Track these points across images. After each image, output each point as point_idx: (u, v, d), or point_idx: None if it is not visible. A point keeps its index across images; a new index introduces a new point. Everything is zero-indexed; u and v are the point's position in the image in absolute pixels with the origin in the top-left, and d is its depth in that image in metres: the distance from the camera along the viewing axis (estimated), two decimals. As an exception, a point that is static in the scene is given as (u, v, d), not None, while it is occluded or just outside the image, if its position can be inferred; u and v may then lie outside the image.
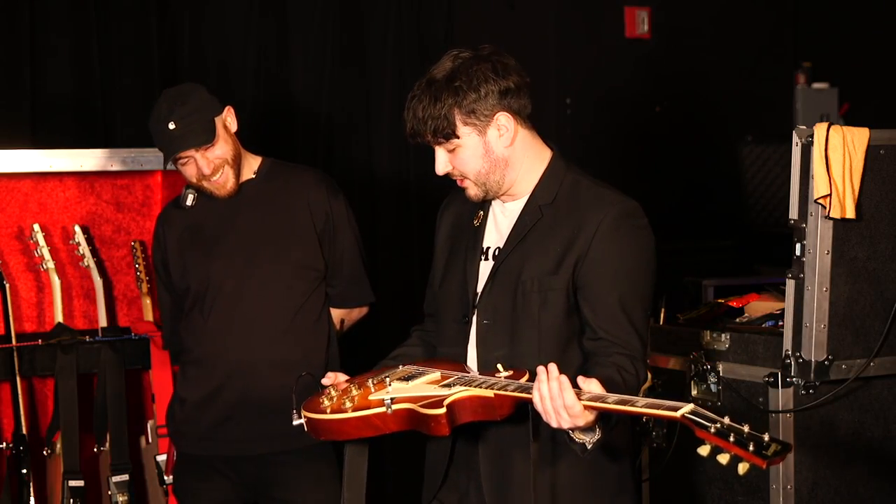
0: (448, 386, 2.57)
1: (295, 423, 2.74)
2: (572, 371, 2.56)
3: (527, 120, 2.72)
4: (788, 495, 3.44)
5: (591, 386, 2.40)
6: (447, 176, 2.75)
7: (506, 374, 2.58)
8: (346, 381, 2.81)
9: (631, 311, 2.62)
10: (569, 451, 2.57)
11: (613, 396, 2.37)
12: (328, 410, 2.64)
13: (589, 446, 2.48)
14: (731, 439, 2.18)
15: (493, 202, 2.80)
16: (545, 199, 2.71)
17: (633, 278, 2.64)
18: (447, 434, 2.52)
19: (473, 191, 2.73)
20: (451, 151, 2.70)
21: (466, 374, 2.64)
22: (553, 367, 2.41)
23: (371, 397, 2.61)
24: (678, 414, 2.26)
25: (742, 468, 2.19)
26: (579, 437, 2.48)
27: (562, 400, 2.38)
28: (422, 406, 2.52)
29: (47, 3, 4.63)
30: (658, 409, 2.30)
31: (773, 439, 2.17)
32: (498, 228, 2.77)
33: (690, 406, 2.27)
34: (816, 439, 3.47)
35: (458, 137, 2.67)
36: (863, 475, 3.55)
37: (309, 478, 3.46)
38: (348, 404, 2.62)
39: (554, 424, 2.42)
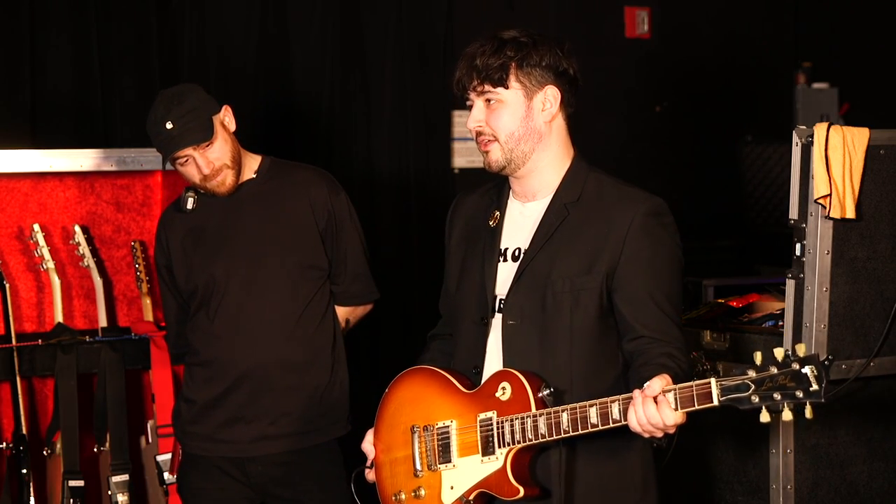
0: (489, 450, 2.60)
1: None
2: (607, 375, 2.61)
3: (568, 114, 2.73)
4: (788, 495, 3.44)
5: (656, 385, 2.41)
6: (476, 134, 2.70)
7: (504, 394, 2.60)
8: (375, 442, 2.84)
9: (669, 307, 2.62)
10: (592, 453, 2.61)
11: (690, 390, 2.39)
12: None
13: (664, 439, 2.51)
14: (778, 397, 2.24)
15: (510, 202, 2.78)
16: (570, 198, 2.69)
17: (667, 275, 2.64)
18: (539, 492, 2.60)
19: (496, 155, 2.68)
20: (490, 106, 2.67)
21: (483, 419, 2.63)
22: (638, 392, 2.42)
23: (445, 500, 2.67)
24: (716, 403, 2.32)
25: (808, 412, 2.26)
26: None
27: (661, 420, 2.39)
28: (499, 494, 2.60)
29: (47, 3, 4.63)
30: (690, 405, 2.37)
31: (802, 362, 2.23)
32: (518, 229, 2.73)
33: (716, 387, 2.31)
34: (816, 439, 3.47)
35: (506, 88, 2.64)
36: (863, 475, 3.55)
37: (316, 478, 3.47)
38: None
39: (647, 435, 2.45)
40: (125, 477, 3.92)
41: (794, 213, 3.40)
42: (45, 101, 4.63)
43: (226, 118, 3.44)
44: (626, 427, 2.62)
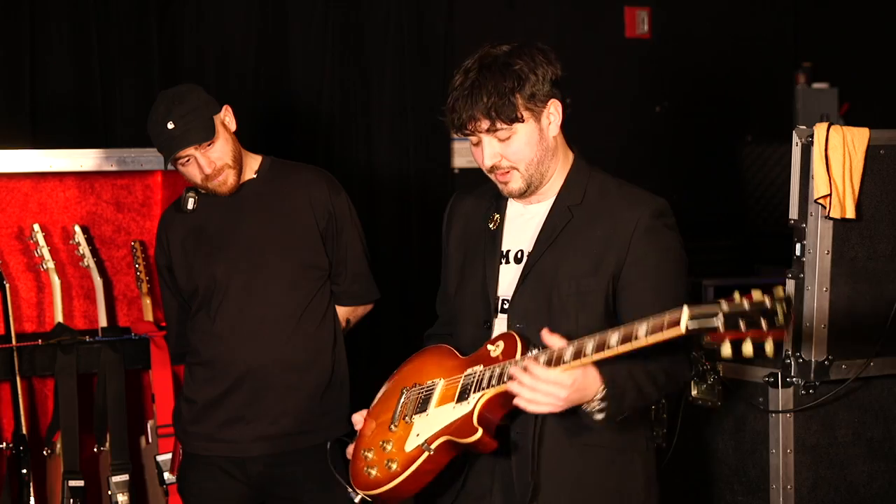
0: (464, 396, 2.58)
1: (357, 500, 2.73)
2: None
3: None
4: (788, 495, 3.44)
5: (554, 340, 2.43)
6: (491, 167, 2.65)
7: (496, 350, 2.60)
8: (366, 415, 2.82)
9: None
10: (595, 455, 2.59)
11: (592, 342, 2.39)
12: (379, 478, 2.65)
13: (603, 414, 2.48)
14: (743, 326, 2.22)
15: (509, 204, 2.77)
16: (574, 200, 2.68)
17: (672, 277, 2.64)
18: (496, 446, 2.55)
19: (517, 184, 2.66)
20: (504, 140, 2.61)
21: (469, 372, 2.62)
22: (517, 364, 2.44)
23: (408, 448, 2.63)
24: (682, 329, 2.29)
25: (769, 349, 2.22)
26: (593, 406, 2.49)
27: (543, 378, 2.40)
28: (458, 437, 2.54)
29: (47, 4, 4.63)
30: (659, 331, 2.33)
31: (773, 299, 2.21)
32: (519, 231, 2.73)
33: (686, 313, 2.30)
34: (816, 439, 3.47)
35: (522, 122, 2.60)
36: (863, 475, 3.55)
37: (316, 478, 3.46)
38: (394, 466, 2.62)
39: (550, 409, 2.44)
40: (125, 477, 3.92)
41: (794, 213, 3.40)
42: (45, 101, 4.63)
43: (226, 118, 3.44)
44: (628, 431, 2.61)
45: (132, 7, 4.81)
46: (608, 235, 2.62)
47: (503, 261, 2.72)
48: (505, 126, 2.59)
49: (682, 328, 2.30)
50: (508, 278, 2.70)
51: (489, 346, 2.62)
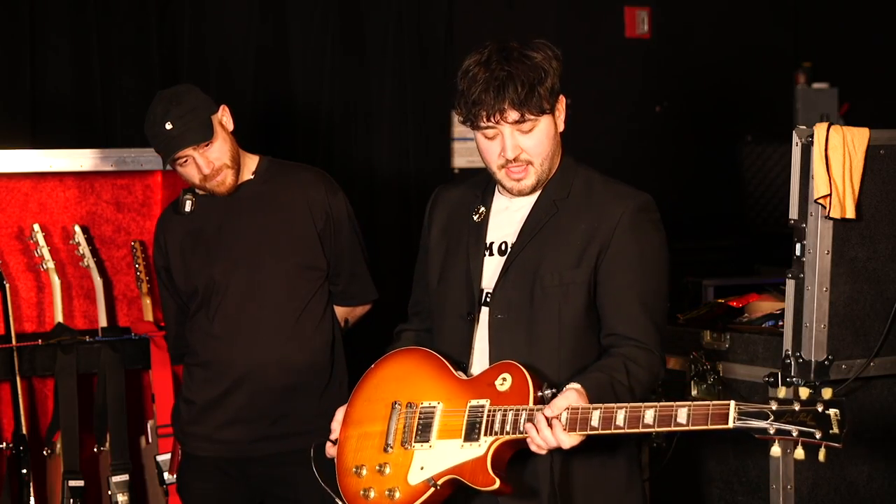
0: (472, 436, 2.54)
1: None
2: (590, 363, 2.60)
3: None
4: (788, 495, 3.44)
5: (560, 403, 2.43)
6: (507, 162, 2.62)
7: (503, 385, 2.56)
8: (347, 414, 2.77)
9: (651, 305, 2.62)
10: (577, 450, 2.56)
11: (706, 409, 2.36)
12: (378, 501, 2.61)
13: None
14: (795, 433, 2.20)
15: (495, 198, 2.77)
16: (560, 195, 2.69)
17: (652, 272, 2.64)
18: (511, 492, 2.53)
19: (531, 180, 2.66)
20: (526, 133, 2.61)
21: (475, 405, 2.58)
22: (542, 415, 2.44)
23: (412, 480, 2.59)
24: (731, 426, 2.28)
25: (822, 455, 2.20)
26: None
27: (556, 441, 2.43)
28: (471, 482, 2.52)
29: (47, 3, 4.63)
30: (703, 423, 2.34)
31: (827, 405, 2.18)
32: (504, 223, 2.73)
33: (734, 410, 2.27)
34: (816, 439, 3.47)
35: (549, 113, 2.61)
36: (863, 475, 3.55)
37: (315, 478, 3.46)
38: (397, 495, 2.59)
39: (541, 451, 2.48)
40: (125, 477, 3.92)
41: (794, 213, 3.41)
42: (45, 101, 4.63)
43: (224, 118, 3.44)
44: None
45: (132, 7, 4.81)
46: (592, 228, 2.63)
47: (487, 253, 2.73)
48: (532, 117, 2.59)
49: (730, 424, 2.29)
50: (492, 270, 2.70)
51: (496, 381, 2.57)
